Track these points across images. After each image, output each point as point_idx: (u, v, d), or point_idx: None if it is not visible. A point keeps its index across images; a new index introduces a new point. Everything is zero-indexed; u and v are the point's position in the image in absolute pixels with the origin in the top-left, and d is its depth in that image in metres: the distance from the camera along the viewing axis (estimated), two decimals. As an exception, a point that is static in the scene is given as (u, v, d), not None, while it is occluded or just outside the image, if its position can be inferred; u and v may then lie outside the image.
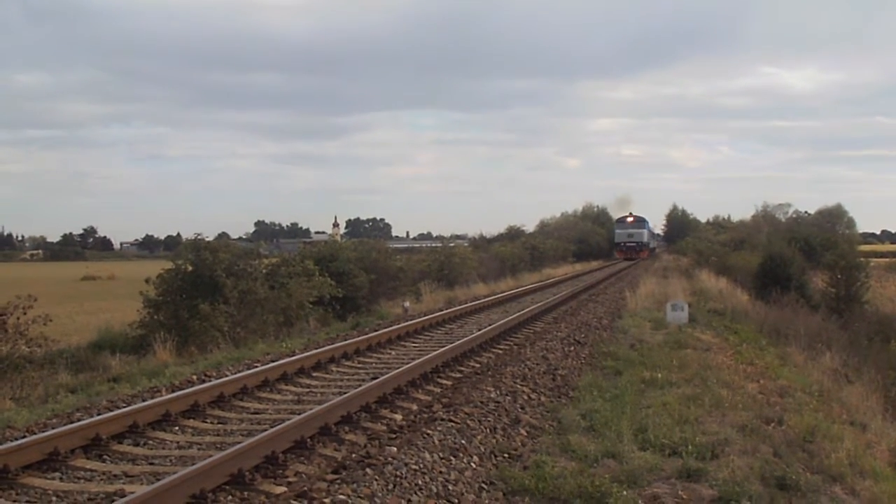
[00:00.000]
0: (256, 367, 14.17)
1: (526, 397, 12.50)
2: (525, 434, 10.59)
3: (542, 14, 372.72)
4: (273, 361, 14.71)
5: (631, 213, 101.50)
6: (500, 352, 16.93)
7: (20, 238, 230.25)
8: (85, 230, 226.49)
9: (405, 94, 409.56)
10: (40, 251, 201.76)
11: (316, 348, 16.59)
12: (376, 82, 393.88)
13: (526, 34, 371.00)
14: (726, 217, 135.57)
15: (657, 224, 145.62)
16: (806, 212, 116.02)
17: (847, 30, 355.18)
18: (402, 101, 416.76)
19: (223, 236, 47.31)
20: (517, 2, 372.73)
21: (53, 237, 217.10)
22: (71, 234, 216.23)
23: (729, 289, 40.91)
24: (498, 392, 12.19)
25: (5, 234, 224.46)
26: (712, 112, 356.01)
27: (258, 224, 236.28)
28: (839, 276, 41.01)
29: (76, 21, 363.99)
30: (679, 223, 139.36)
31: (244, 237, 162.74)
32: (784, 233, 71.23)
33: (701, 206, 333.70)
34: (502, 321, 20.65)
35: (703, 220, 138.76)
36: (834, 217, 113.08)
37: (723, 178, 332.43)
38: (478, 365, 15.13)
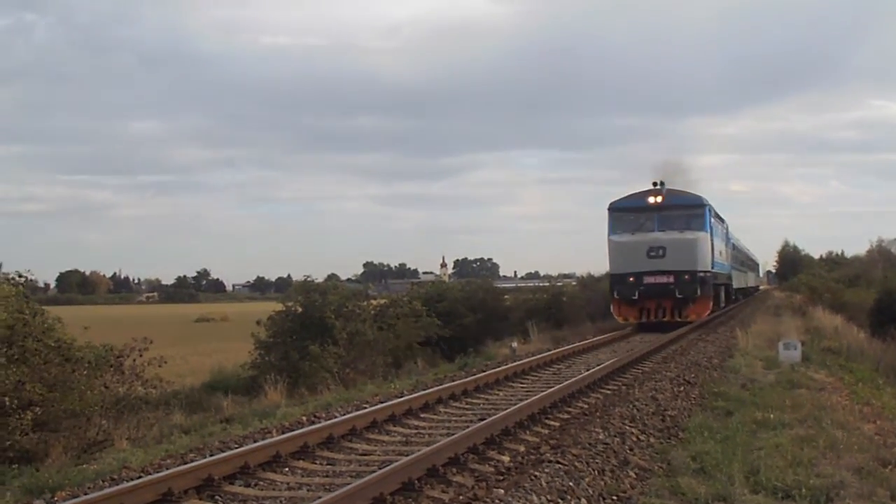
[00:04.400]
0: (365, 408, 14.29)
1: (634, 438, 12.37)
2: (634, 476, 10.49)
3: (645, 52, 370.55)
4: (381, 402, 14.80)
5: (659, 185, 35.11)
6: (609, 392, 16.78)
7: (136, 281, 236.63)
8: (198, 272, 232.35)
9: (509, 133, 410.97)
10: (156, 293, 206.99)
11: (424, 389, 16.67)
12: (480, 122, 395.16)
13: (628, 72, 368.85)
14: (840, 253, 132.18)
15: (768, 261, 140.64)
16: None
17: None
18: (506, 140, 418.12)
19: (332, 277, 47.86)
20: (618, 40, 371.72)
21: (168, 280, 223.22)
22: (185, 276, 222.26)
23: (844, 326, 39.95)
24: (606, 433, 12.09)
25: (122, 277, 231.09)
26: (821, 146, 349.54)
27: (367, 265, 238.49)
28: (960, 312, 39.79)
29: (186, 68, 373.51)
30: (791, 260, 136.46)
31: (353, 278, 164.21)
32: (901, 268, 69.24)
33: (813, 241, 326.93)
34: (610, 361, 20.48)
35: (816, 257, 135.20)
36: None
37: (835, 212, 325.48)
38: (586, 405, 15.03)
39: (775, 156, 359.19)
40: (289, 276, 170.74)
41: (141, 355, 20.04)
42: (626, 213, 35.13)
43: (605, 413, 13.75)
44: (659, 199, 34.27)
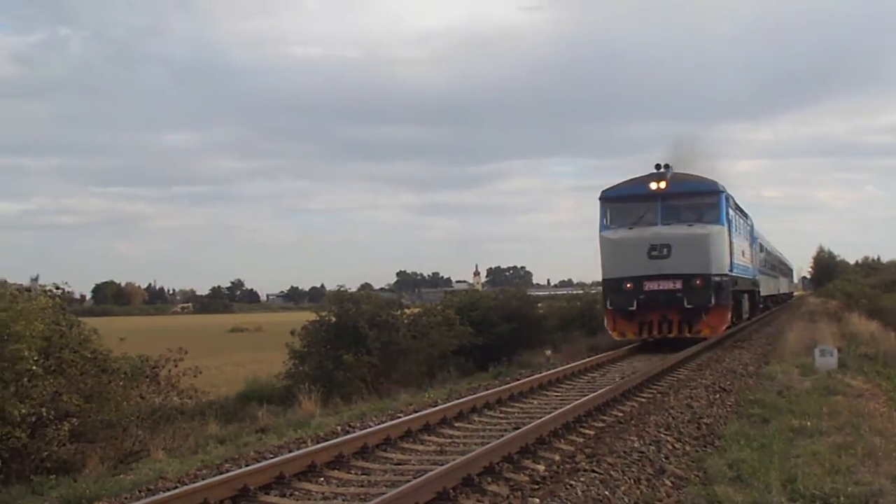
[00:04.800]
0: (399, 417, 14.31)
1: (670, 447, 12.30)
2: (670, 485, 10.42)
3: (674, 58, 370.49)
4: (416, 412, 14.83)
5: (663, 168, 27.25)
6: (644, 400, 16.70)
7: (171, 291, 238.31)
8: (233, 283, 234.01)
9: (540, 141, 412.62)
10: (190, 304, 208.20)
11: (458, 398, 16.66)
12: (511, 131, 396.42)
13: (659, 79, 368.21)
14: (876, 258, 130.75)
15: (803, 266, 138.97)
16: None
17: None
18: (538, 148, 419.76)
19: (366, 287, 48.03)
20: (650, 46, 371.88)
21: (202, 290, 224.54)
22: (219, 286, 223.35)
23: (881, 332, 39.52)
24: (641, 441, 12.03)
25: (157, 287, 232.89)
26: (856, 151, 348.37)
27: (400, 274, 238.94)
28: None
29: (218, 80, 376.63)
30: (826, 265, 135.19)
31: (386, 287, 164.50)
32: (939, 273, 68.41)
33: (849, 247, 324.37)
34: (645, 369, 20.39)
35: (852, 262, 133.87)
36: None
37: (871, 217, 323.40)
38: (621, 414, 14.96)
39: (809, 160, 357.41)
40: (322, 285, 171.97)
41: (176, 366, 20.20)
42: (622, 202, 27.95)
43: (641, 421, 13.68)
44: (662, 184, 26.92)
